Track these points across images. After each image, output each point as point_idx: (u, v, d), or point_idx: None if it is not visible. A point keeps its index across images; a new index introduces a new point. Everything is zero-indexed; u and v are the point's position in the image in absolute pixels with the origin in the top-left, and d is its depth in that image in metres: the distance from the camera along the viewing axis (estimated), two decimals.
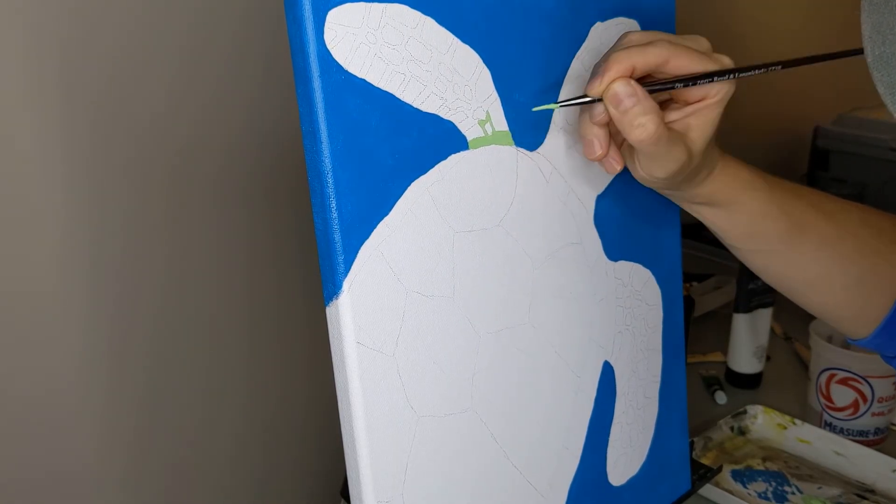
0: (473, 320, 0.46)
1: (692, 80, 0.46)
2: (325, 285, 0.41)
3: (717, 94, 0.47)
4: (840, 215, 0.56)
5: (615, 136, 0.49)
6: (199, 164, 0.75)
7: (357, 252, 0.40)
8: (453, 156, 0.44)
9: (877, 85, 0.35)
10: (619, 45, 0.47)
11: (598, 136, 0.48)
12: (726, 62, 0.47)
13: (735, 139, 1.61)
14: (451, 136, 0.44)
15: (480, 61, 0.45)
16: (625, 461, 0.59)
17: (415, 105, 0.42)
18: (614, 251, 0.55)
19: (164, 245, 0.74)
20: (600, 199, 0.54)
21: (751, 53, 1.47)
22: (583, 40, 0.51)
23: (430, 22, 0.42)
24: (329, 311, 0.41)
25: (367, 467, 0.42)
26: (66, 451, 0.72)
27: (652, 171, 0.48)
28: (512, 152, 0.48)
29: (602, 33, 0.52)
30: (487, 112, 0.46)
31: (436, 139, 0.43)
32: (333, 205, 0.39)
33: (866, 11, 0.36)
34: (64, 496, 0.73)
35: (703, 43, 0.48)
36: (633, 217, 0.57)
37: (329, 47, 0.38)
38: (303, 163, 0.40)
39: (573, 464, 0.54)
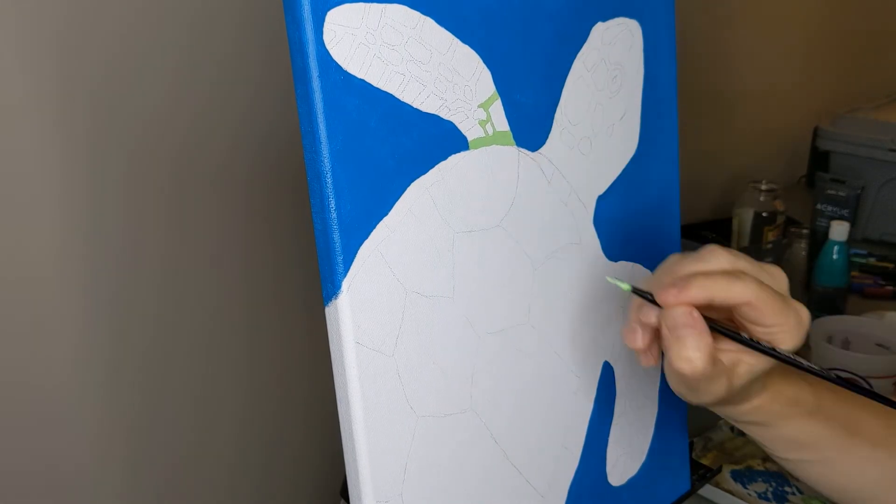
0: (473, 320, 0.46)
1: (760, 348, 0.44)
2: (324, 285, 0.41)
3: (782, 341, 0.44)
4: (888, 413, 0.52)
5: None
6: (198, 163, 0.74)
7: (356, 252, 0.40)
8: (453, 156, 0.44)
9: None
10: (705, 263, 0.44)
11: (643, 330, 0.46)
12: (804, 316, 0.44)
13: (735, 140, 1.61)
14: (452, 137, 0.44)
15: (480, 61, 0.45)
16: (624, 461, 0.59)
17: (414, 105, 0.42)
18: (614, 251, 0.55)
19: (162, 245, 0.74)
20: (601, 200, 0.54)
21: (748, 51, 1.47)
22: (584, 40, 0.51)
23: (429, 22, 0.42)
24: (328, 311, 0.41)
25: (367, 467, 0.42)
26: (63, 451, 0.72)
27: (683, 394, 0.46)
28: (513, 152, 0.47)
29: (603, 33, 0.52)
30: (488, 112, 0.46)
31: (436, 139, 0.43)
32: (332, 205, 0.39)
33: None
34: (61, 495, 0.73)
35: (782, 282, 0.46)
36: (633, 217, 0.57)
37: (328, 47, 0.38)
38: (302, 163, 0.40)
39: (573, 464, 0.54)
